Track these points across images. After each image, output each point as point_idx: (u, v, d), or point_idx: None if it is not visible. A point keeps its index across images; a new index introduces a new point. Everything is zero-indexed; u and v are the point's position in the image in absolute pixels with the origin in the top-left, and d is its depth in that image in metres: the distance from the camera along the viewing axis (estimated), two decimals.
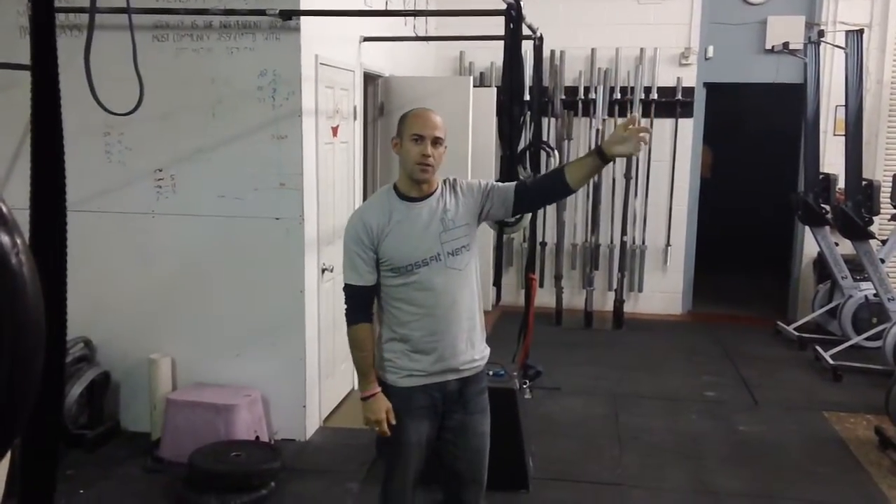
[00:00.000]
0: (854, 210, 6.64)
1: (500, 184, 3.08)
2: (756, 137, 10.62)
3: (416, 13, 7.08)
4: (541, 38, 6.36)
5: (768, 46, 8.04)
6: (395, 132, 3.01)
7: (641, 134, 2.86)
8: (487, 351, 3.16)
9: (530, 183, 3.10)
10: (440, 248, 2.94)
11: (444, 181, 3.06)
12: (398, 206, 2.96)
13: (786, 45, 7.67)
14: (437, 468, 3.21)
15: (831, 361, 6.60)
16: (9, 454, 1.09)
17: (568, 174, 2.95)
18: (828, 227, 7.38)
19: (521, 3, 4.45)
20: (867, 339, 6.90)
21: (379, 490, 3.17)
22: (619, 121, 2.80)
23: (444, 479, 3.23)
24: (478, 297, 3.09)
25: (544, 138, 7.69)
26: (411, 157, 2.91)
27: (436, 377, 3.00)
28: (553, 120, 8.37)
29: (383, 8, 6.18)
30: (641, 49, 8.18)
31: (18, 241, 0.85)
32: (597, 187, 8.37)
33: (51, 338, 0.94)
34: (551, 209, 8.45)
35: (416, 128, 2.92)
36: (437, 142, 2.92)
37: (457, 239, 2.97)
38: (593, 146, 8.26)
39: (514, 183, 3.08)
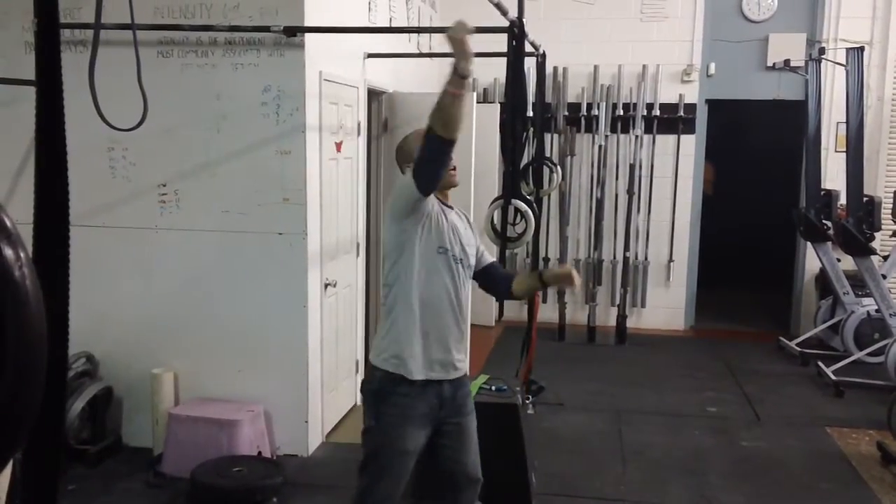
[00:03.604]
0: (855, 226, 6.65)
1: (482, 244, 3.39)
2: (758, 154, 10.63)
3: (419, 30, 7.12)
4: (543, 55, 6.40)
5: (770, 63, 8.07)
6: (403, 159, 3.18)
7: (574, 284, 3.25)
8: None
9: (494, 267, 3.41)
10: (465, 256, 3.16)
11: (458, 210, 3.30)
12: (437, 203, 3.11)
13: (787, 62, 7.69)
14: (434, 479, 3.26)
15: (833, 377, 6.60)
16: (10, 469, 1.10)
17: (514, 285, 3.37)
18: (829, 243, 7.39)
19: (524, 21, 4.48)
20: (869, 354, 6.89)
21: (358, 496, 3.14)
22: (567, 267, 3.18)
23: (443, 484, 3.28)
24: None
25: (547, 154, 7.70)
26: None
27: (437, 371, 3.08)
28: (556, 136, 8.40)
29: (387, 25, 6.22)
30: (644, 66, 8.22)
31: (22, 254, 0.86)
32: (600, 203, 8.40)
33: (53, 351, 0.95)
34: (554, 224, 8.47)
35: None
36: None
37: (473, 255, 3.24)
38: (596, 160, 8.30)
39: (486, 254, 3.38)
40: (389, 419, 3.06)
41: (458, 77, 2.78)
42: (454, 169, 3.10)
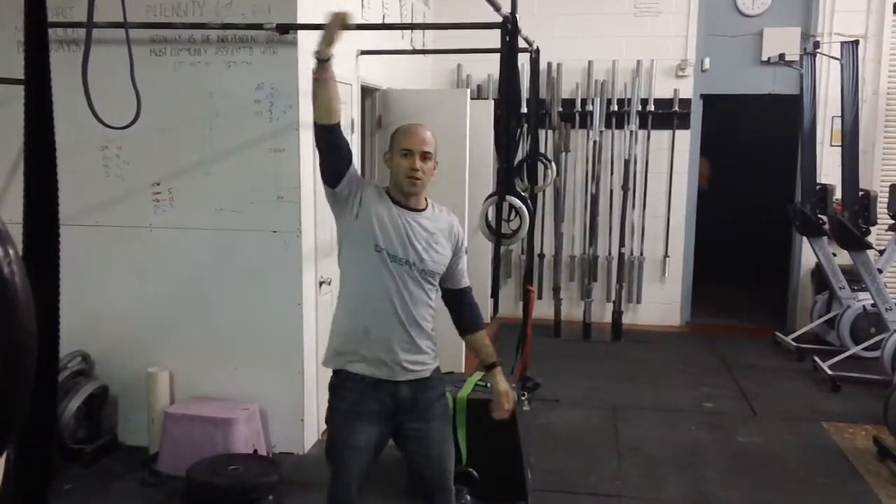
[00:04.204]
0: (851, 220, 6.66)
1: (462, 262, 3.25)
2: (753, 148, 10.64)
3: (413, 26, 7.11)
4: (537, 51, 6.39)
5: (764, 58, 8.08)
6: (388, 147, 3.11)
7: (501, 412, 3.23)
8: (437, 358, 3.18)
9: (465, 295, 3.28)
10: (418, 261, 3.02)
11: (445, 209, 3.21)
12: (391, 206, 3.04)
13: (782, 56, 7.70)
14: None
15: (829, 372, 6.60)
16: (2, 467, 1.09)
17: (468, 339, 3.32)
18: (825, 238, 7.39)
19: (518, 16, 4.48)
20: (865, 349, 6.90)
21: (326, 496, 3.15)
22: (504, 397, 3.23)
23: (419, 486, 3.29)
24: (432, 315, 3.14)
25: (542, 150, 7.71)
26: (401, 170, 3.01)
27: (380, 370, 3.01)
28: (550, 132, 8.40)
29: (380, 21, 6.20)
30: (638, 61, 8.22)
31: (11, 251, 0.85)
32: (594, 199, 8.40)
33: (44, 349, 0.95)
34: (549, 220, 8.47)
35: (405, 143, 3.03)
36: (425, 156, 3.02)
37: (435, 263, 3.08)
38: (590, 155, 8.30)
39: (464, 277, 3.26)
40: (339, 413, 3.07)
41: (316, 60, 2.87)
42: (417, 179, 2.99)
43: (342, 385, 3.07)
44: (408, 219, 3.02)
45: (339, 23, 2.86)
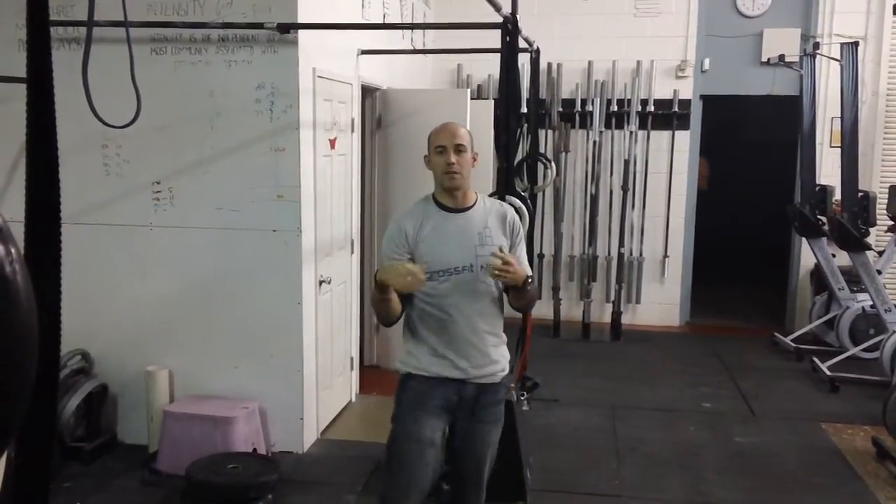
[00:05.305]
0: (850, 221, 6.66)
1: (521, 251, 3.22)
2: (753, 149, 10.64)
3: (413, 26, 7.11)
4: (537, 51, 6.40)
5: (764, 59, 8.08)
6: (426, 150, 3.18)
7: (498, 270, 2.94)
8: (507, 364, 3.24)
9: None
10: (475, 260, 3.05)
11: (499, 202, 3.28)
12: (435, 214, 3.10)
13: (782, 57, 7.70)
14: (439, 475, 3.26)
15: (828, 372, 6.61)
16: (2, 467, 1.09)
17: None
18: (824, 239, 7.40)
19: (518, 17, 4.48)
20: (864, 349, 6.91)
21: (380, 492, 3.15)
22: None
23: (447, 480, 3.32)
24: (501, 312, 3.21)
25: (541, 150, 7.71)
26: (439, 167, 3.08)
27: (453, 372, 3.08)
28: (550, 132, 8.40)
29: (381, 21, 6.21)
30: (638, 61, 8.22)
31: (13, 249, 0.86)
32: (594, 199, 8.40)
33: (45, 349, 0.95)
34: (549, 220, 8.47)
35: (438, 140, 3.10)
36: (459, 149, 3.07)
37: (487, 258, 3.06)
38: (590, 155, 8.31)
39: (524, 266, 3.17)
40: (405, 405, 3.12)
41: (376, 284, 2.94)
42: (455, 173, 3.04)
43: (412, 376, 3.12)
44: (456, 222, 3.09)
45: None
